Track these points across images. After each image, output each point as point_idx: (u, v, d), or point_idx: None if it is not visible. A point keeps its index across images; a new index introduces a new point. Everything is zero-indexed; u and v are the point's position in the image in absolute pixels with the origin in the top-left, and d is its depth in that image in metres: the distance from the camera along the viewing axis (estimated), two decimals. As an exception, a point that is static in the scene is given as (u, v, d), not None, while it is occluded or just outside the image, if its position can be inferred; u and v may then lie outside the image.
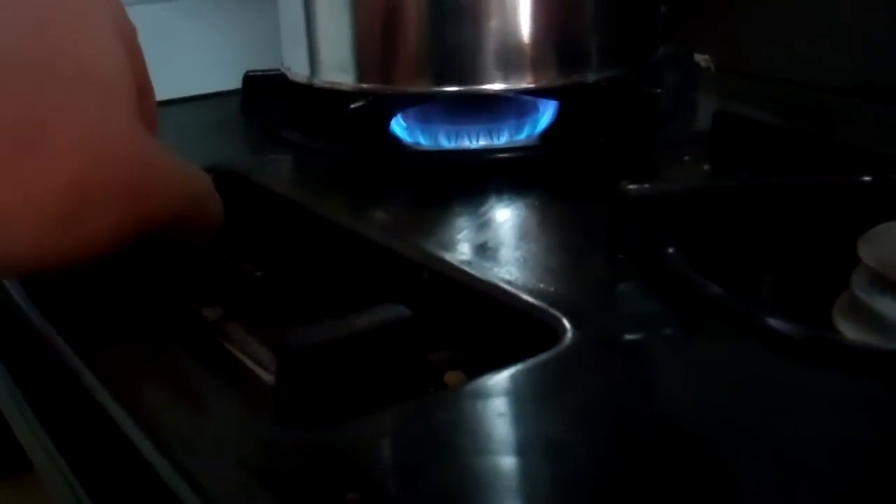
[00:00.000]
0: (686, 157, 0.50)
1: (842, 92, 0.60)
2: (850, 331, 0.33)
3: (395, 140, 0.56)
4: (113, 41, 0.34)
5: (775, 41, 0.67)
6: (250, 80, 0.62)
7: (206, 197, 0.39)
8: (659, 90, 0.55)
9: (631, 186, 0.37)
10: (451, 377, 0.35)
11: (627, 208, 0.37)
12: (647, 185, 0.37)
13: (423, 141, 0.55)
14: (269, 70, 0.61)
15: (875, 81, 0.59)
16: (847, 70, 0.62)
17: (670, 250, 0.36)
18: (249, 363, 0.39)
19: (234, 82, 0.63)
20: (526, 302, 0.34)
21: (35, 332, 0.38)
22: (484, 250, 0.39)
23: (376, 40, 0.54)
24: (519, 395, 0.30)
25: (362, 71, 0.54)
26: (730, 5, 0.70)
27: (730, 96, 0.63)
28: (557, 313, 0.33)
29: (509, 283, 0.36)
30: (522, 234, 0.42)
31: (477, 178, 0.49)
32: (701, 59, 0.66)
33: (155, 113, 0.40)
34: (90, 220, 0.32)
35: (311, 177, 0.53)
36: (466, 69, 0.52)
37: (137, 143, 0.34)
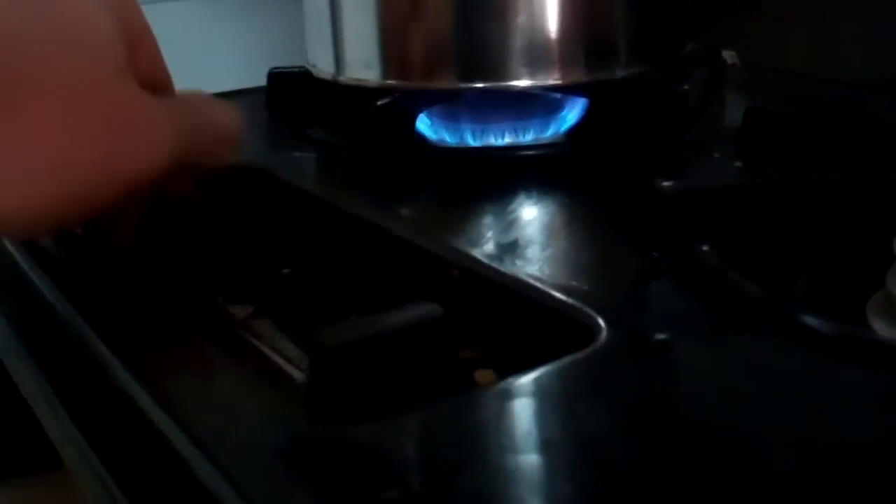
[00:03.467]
0: (716, 154, 0.49)
1: (871, 88, 0.60)
2: (884, 329, 0.33)
3: (421, 137, 0.56)
4: (99, 12, 0.34)
5: (803, 37, 0.67)
6: (275, 76, 0.62)
7: (201, 124, 0.39)
8: (687, 87, 0.55)
9: (665, 183, 0.37)
10: (481, 375, 0.35)
11: (661, 205, 0.37)
12: (680, 182, 0.37)
13: (449, 139, 0.55)
14: (295, 67, 0.61)
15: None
16: (876, 65, 0.62)
17: (704, 248, 0.36)
18: (279, 360, 0.39)
19: (259, 79, 0.63)
20: (559, 300, 0.34)
21: (66, 329, 0.38)
22: (513, 248, 0.39)
23: (402, 36, 0.53)
24: (553, 395, 0.30)
25: (387, 67, 0.54)
26: (757, 1, 0.70)
27: (758, 93, 0.62)
28: (592, 311, 0.33)
29: (540, 280, 0.36)
30: (552, 232, 0.42)
31: (504, 176, 0.48)
32: (728, 55, 0.66)
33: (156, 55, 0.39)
34: (72, 178, 0.32)
35: (336, 174, 0.53)
36: (493, 65, 0.52)
37: (115, 101, 0.34)
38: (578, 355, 0.30)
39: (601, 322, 0.32)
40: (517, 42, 0.52)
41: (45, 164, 0.32)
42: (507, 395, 0.29)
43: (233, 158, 0.41)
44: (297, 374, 0.38)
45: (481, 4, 0.51)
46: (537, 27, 0.52)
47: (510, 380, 0.30)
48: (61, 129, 0.32)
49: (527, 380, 0.30)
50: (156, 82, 0.38)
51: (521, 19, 0.51)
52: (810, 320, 0.31)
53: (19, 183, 0.31)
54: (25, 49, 0.32)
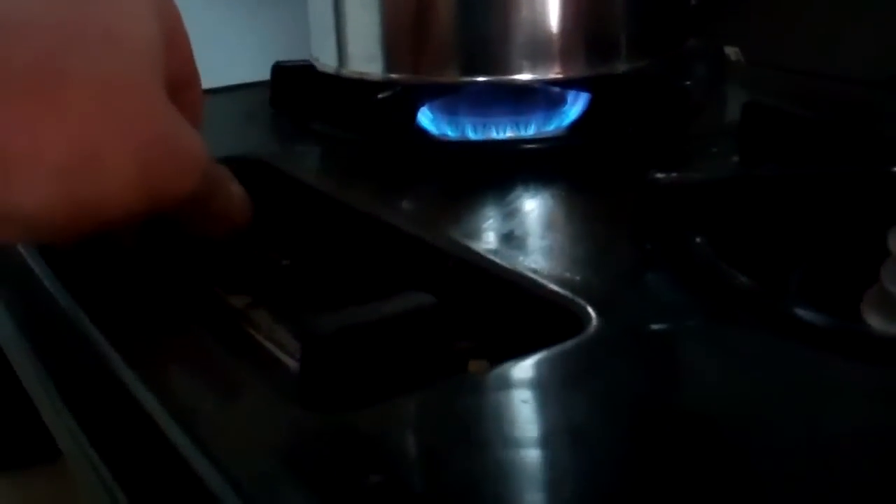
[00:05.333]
0: (715, 149, 0.49)
1: (875, 84, 0.59)
2: (879, 324, 0.33)
3: (423, 130, 0.56)
4: (146, 16, 0.34)
5: (807, 33, 0.67)
6: (279, 70, 0.62)
7: (220, 188, 0.39)
8: (689, 82, 0.55)
9: (659, 175, 0.37)
10: (475, 366, 0.35)
11: (655, 197, 0.37)
12: (674, 174, 0.37)
13: (450, 133, 0.55)
14: (299, 60, 0.61)
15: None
16: (880, 62, 0.61)
17: (698, 240, 0.36)
18: (276, 351, 0.39)
19: (263, 73, 0.63)
20: (550, 290, 0.34)
21: (64, 318, 0.38)
22: (510, 239, 0.39)
23: (404, 30, 0.54)
24: (542, 383, 0.30)
25: (390, 61, 0.54)
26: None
27: (760, 89, 0.62)
28: (582, 301, 0.33)
29: (534, 271, 0.36)
30: (549, 224, 0.42)
31: (504, 170, 0.49)
32: (731, 51, 0.66)
33: (199, 103, 0.40)
34: (98, 181, 0.32)
35: (338, 166, 0.53)
36: (494, 59, 0.52)
37: (157, 112, 0.34)
38: (567, 344, 0.30)
39: (591, 312, 0.32)
40: (518, 36, 0.52)
41: (73, 163, 0.31)
42: (495, 383, 0.30)
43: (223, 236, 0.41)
44: (294, 365, 0.38)
45: (483, -1, 0.52)
46: (538, 21, 0.52)
47: (498, 368, 0.30)
48: (99, 132, 0.32)
49: (515, 368, 0.30)
50: (185, 81, 0.38)
51: (522, 13, 0.51)
52: (802, 313, 0.31)
53: (41, 182, 0.31)
54: (78, 50, 0.32)
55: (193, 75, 0.39)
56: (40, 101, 0.31)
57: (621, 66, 0.53)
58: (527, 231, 0.40)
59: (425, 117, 0.56)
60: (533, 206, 0.44)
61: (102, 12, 0.33)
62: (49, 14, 0.32)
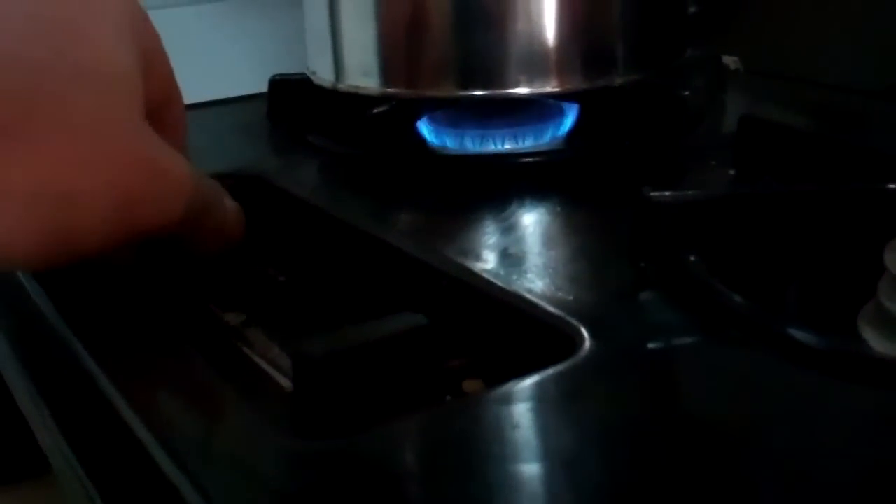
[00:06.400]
0: (713, 162, 0.49)
1: (873, 94, 0.59)
2: (875, 340, 0.33)
3: (420, 143, 0.56)
4: (119, 46, 0.34)
5: (806, 43, 0.67)
6: (277, 83, 0.62)
7: (214, 205, 0.39)
8: (687, 93, 0.55)
9: (652, 193, 0.37)
10: (469, 385, 0.35)
11: (648, 215, 0.37)
12: (668, 193, 0.37)
13: (450, 144, 0.55)
14: (296, 74, 0.61)
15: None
16: (879, 71, 0.61)
17: (692, 258, 0.36)
18: (269, 369, 0.39)
19: (260, 86, 0.63)
20: (544, 310, 0.34)
21: (54, 336, 0.38)
22: (505, 257, 0.39)
23: (400, 45, 0.53)
24: (537, 405, 0.30)
25: (387, 75, 0.54)
26: (760, 7, 0.70)
27: (759, 99, 0.62)
28: (575, 322, 0.32)
29: (529, 290, 0.36)
30: (544, 241, 0.42)
31: (502, 183, 0.48)
32: (730, 60, 0.65)
33: (182, 120, 0.40)
34: (72, 215, 0.32)
35: (335, 181, 0.53)
36: (491, 73, 0.52)
37: (133, 143, 0.33)
38: (561, 367, 0.30)
39: (584, 333, 0.32)
40: (515, 50, 0.52)
41: (44, 199, 0.31)
42: (490, 407, 0.29)
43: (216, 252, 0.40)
44: (287, 384, 0.37)
45: (479, 13, 0.51)
46: (535, 35, 0.51)
47: (492, 391, 0.30)
48: (71, 165, 0.31)
49: (509, 391, 0.29)
50: (165, 99, 0.38)
51: (519, 28, 0.51)
52: (798, 333, 0.31)
53: (12, 217, 0.31)
54: (47, 86, 0.31)
55: (174, 93, 0.39)
56: (8, 138, 0.30)
57: (619, 79, 0.53)
58: (522, 249, 0.40)
59: (425, 128, 0.56)
60: (529, 222, 0.44)
61: (72, 47, 0.33)
62: (18, 51, 0.31)
